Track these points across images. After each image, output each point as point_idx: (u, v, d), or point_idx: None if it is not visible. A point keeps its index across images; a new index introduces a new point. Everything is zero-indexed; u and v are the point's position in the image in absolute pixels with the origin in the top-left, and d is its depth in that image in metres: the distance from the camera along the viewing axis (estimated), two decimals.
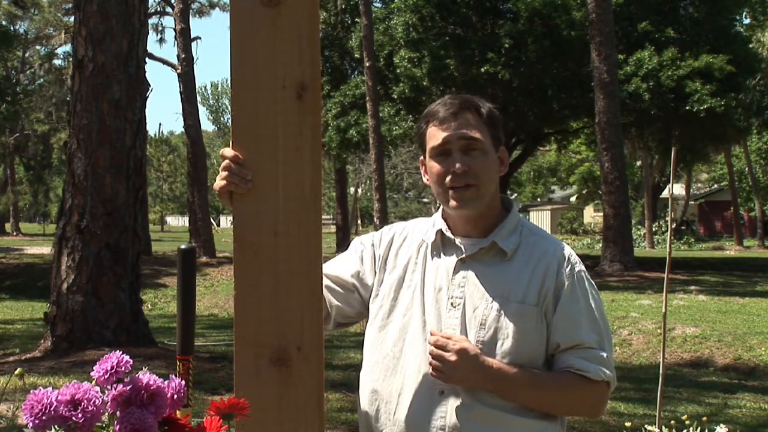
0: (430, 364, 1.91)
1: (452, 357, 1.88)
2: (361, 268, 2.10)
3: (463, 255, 2.02)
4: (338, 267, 2.11)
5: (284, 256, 1.76)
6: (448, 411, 1.93)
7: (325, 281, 2.00)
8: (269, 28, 1.77)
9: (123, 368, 1.32)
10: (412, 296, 2.03)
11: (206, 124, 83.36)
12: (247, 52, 1.78)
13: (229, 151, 1.79)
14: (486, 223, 2.03)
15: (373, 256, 2.10)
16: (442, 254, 2.05)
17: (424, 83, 22.08)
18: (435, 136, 2.00)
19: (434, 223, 2.09)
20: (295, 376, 1.75)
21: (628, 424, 4.32)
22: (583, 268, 2.04)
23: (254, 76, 1.78)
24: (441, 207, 2.10)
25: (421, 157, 2.10)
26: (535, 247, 2.02)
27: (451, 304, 1.98)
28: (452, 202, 1.98)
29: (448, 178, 1.97)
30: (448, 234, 2.05)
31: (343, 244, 27.56)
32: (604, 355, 1.96)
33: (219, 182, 1.79)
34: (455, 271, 2.01)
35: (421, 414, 1.94)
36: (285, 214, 1.77)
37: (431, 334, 1.93)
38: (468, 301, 1.98)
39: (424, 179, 2.09)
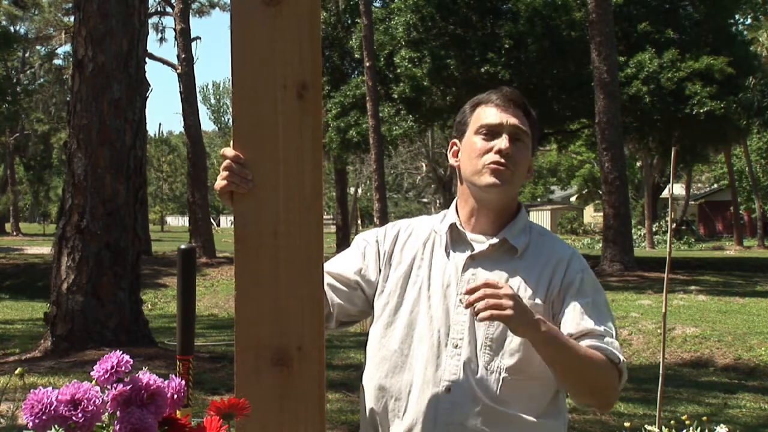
0: (485, 305, 1.78)
1: (509, 291, 1.83)
2: (364, 265, 2.08)
3: (474, 251, 2.02)
4: (341, 264, 2.10)
5: (285, 256, 1.76)
6: (454, 408, 1.93)
7: (328, 279, 1.99)
8: (270, 27, 1.76)
9: (123, 368, 1.32)
10: (419, 292, 2.02)
11: (207, 124, 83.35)
12: (247, 52, 1.78)
13: (230, 151, 1.78)
14: (501, 220, 2.04)
15: (377, 253, 2.09)
16: (451, 250, 2.05)
17: (425, 83, 22.07)
18: (489, 115, 2.02)
19: (445, 217, 2.09)
20: (296, 376, 1.74)
21: (627, 424, 4.32)
22: (590, 269, 2.06)
23: (255, 76, 1.77)
24: (454, 202, 2.11)
25: (453, 140, 2.11)
26: (544, 246, 2.04)
27: (460, 300, 1.98)
28: (488, 179, 1.98)
29: (488, 155, 1.99)
30: (460, 228, 2.05)
31: (343, 244, 27.55)
32: (615, 343, 1.96)
33: (220, 182, 1.79)
34: (464, 268, 2.01)
35: (429, 410, 1.94)
36: (286, 214, 1.76)
37: (465, 293, 1.85)
38: None
39: (452, 161, 2.10)
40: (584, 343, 1.93)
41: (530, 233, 2.05)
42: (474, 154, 2.01)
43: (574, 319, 1.95)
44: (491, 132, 2.00)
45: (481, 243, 2.02)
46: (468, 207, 2.06)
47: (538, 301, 1.96)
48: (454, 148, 2.10)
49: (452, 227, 2.05)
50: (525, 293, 1.96)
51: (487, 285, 1.82)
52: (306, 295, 1.76)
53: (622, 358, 1.94)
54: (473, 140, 2.02)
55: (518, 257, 2.01)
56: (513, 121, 2.00)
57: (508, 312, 1.79)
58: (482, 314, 1.79)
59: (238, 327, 1.76)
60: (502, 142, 1.98)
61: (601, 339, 1.93)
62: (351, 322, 2.14)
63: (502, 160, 1.97)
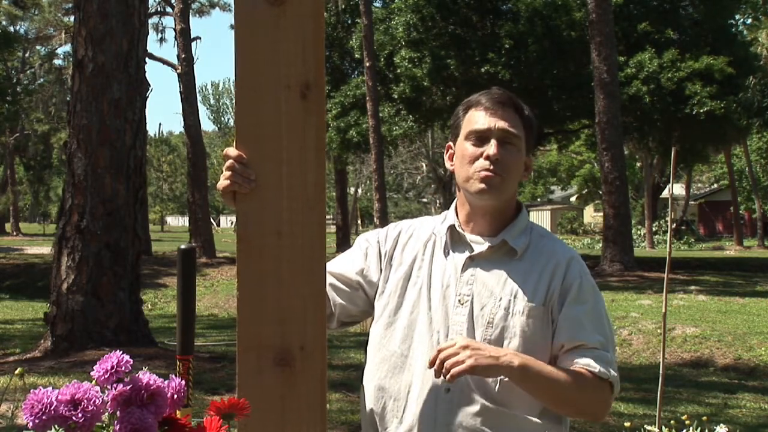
0: (445, 366, 1.83)
1: (462, 342, 1.86)
2: (366, 266, 2.09)
3: (473, 252, 2.01)
4: (343, 265, 2.11)
5: (287, 255, 1.76)
6: (453, 409, 1.93)
7: (330, 279, 1.99)
8: (273, 27, 1.76)
9: (123, 368, 1.31)
10: (419, 293, 2.02)
11: (207, 124, 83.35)
12: (251, 52, 1.77)
13: (233, 151, 1.78)
14: (499, 222, 2.04)
15: (379, 253, 2.10)
16: (450, 251, 2.04)
17: (425, 83, 22.07)
18: (477, 120, 2.01)
19: (445, 218, 2.09)
20: (298, 376, 1.74)
21: (628, 424, 4.32)
22: (589, 274, 2.05)
23: (258, 76, 1.77)
24: (453, 203, 2.11)
25: (449, 143, 2.11)
26: (544, 248, 2.03)
27: (459, 301, 1.98)
28: (478, 186, 1.98)
29: (478, 162, 1.98)
30: (459, 230, 2.05)
31: (343, 244, 27.55)
32: (608, 356, 1.95)
33: (223, 182, 1.78)
34: (464, 269, 2.01)
35: (428, 411, 1.94)
36: (288, 213, 1.76)
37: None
38: (476, 299, 1.97)
39: (448, 165, 2.10)
40: (574, 358, 1.93)
41: (530, 234, 2.04)
42: (465, 161, 2.01)
43: (567, 331, 1.95)
44: (480, 137, 2.00)
45: (480, 244, 2.02)
46: (465, 210, 2.06)
47: (536, 304, 1.96)
48: (450, 151, 2.10)
49: (451, 228, 2.05)
50: (524, 296, 1.96)
51: (439, 350, 1.86)
52: (309, 295, 1.76)
53: (612, 373, 1.93)
54: (464, 146, 2.02)
55: (518, 259, 2.01)
56: (501, 125, 1.99)
57: (470, 362, 1.82)
58: (448, 377, 1.83)
59: (240, 327, 1.76)
60: (491, 148, 1.97)
61: (592, 353, 1.93)
62: (352, 322, 2.14)
63: (491, 167, 1.97)
